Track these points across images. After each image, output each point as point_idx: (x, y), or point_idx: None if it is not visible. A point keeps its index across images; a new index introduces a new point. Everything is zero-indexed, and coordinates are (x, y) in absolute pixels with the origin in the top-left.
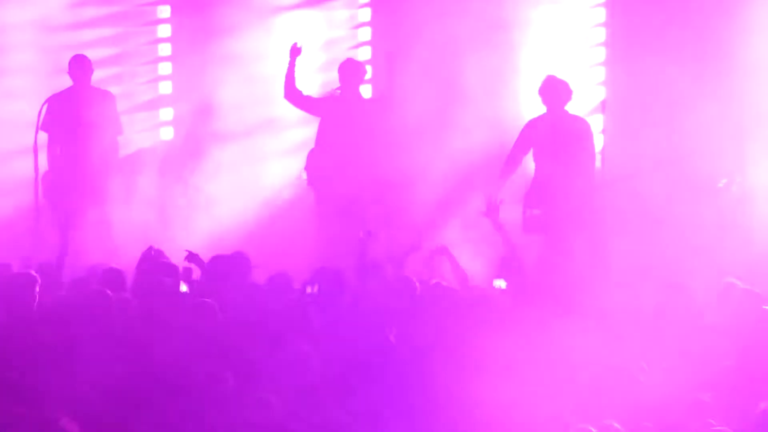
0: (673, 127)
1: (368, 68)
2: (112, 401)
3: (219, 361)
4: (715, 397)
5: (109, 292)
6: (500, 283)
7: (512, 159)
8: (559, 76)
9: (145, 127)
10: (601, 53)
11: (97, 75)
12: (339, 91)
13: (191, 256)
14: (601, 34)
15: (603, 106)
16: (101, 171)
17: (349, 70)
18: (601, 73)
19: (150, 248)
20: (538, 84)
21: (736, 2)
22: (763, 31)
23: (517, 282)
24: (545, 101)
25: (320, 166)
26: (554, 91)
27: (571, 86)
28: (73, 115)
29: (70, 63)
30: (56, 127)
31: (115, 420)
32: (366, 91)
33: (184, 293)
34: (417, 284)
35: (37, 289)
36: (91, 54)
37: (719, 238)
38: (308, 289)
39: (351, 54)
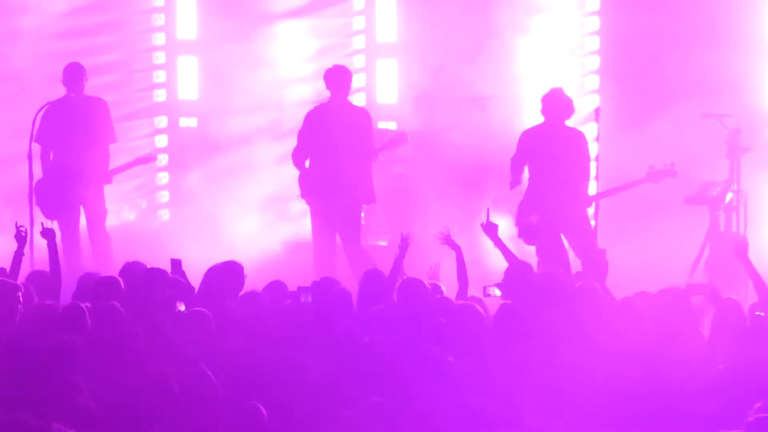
0: (667, 136)
1: (363, 75)
2: (105, 411)
3: (214, 370)
4: (709, 406)
5: (82, 305)
6: (494, 291)
7: (516, 169)
8: (566, 91)
9: (140, 135)
10: (595, 61)
11: (93, 83)
12: (328, 98)
13: (175, 264)
14: (595, 42)
15: (597, 114)
16: (94, 179)
17: (336, 77)
18: (594, 81)
19: (127, 264)
20: (540, 93)
21: (727, 12)
22: (755, 40)
23: (527, 288)
24: (545, 112)
25: (312, 177)
26: (557, 105)
27: (575, 104)
28: (66, 124)
29: (64, 71)
30: (50, 136)
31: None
32: (358, 99)
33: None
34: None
35: (20, 297)
36: (87, 62)
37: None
38: (302, 298)
39: (346, 62)
